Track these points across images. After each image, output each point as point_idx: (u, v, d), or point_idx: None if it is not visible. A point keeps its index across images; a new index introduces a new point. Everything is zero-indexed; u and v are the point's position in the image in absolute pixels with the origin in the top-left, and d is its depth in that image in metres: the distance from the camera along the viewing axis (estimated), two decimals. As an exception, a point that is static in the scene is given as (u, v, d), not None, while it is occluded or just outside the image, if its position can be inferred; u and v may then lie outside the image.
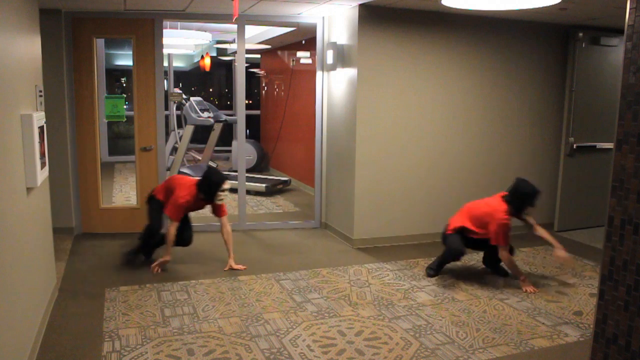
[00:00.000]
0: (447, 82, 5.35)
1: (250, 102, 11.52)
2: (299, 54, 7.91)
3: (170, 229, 4.37)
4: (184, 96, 8.35)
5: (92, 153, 5.43)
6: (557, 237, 5.71)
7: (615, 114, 2.25)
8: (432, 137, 5.38)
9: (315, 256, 4.97)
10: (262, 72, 10.55)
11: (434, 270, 4.47)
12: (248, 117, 6.13)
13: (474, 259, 4.96)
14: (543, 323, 3.59)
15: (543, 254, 5.17)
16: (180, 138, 8.40)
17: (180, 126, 8.80)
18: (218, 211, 4.58)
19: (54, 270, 4.03)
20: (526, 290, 4.15)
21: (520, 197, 4.16)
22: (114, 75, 11.67)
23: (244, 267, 4.56)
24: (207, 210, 6.74)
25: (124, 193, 7.42)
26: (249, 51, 7.56)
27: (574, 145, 5.85)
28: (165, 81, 5.95)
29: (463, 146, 5.52)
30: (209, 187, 4.42)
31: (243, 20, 5.52)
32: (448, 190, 5.53)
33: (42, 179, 3.33)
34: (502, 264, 4.47)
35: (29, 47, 3.35)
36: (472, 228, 4.28)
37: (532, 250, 5.29)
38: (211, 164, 8.87)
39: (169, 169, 7.76)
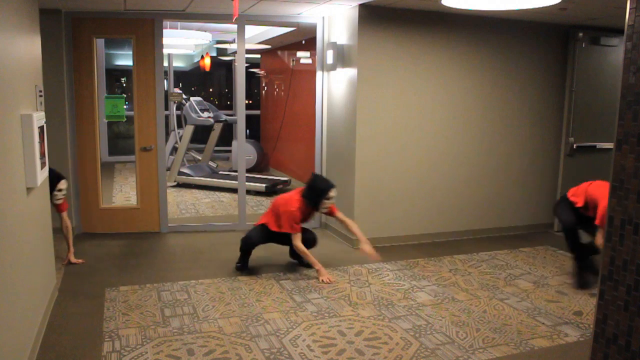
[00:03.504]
0: (447, 82, 5.35)
1: (250, 102, 11.52)
2: (299, 54, 7.91)
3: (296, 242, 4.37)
4: (184, 96, 8.36)
5: (92, 153, 5.44)
6: (557, 238, 5.73)
7: (615, 114, 2.25)
8: (432, 137, 5.39)
9: (315, 256, 4.96)
10: (262, 72, 10.55)
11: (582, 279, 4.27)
12: (248, 117, 6.13)
13: (473, 259, 4.97)
14: (543, 323, 3.59)
15: (543, 253, 5.17)
16: (180, 138, 8.41)
17: (180, 126, 8.81)
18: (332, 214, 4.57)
19: (54, 270, 4.03)
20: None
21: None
22: (114, 75, 11.67)
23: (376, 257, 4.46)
24: (207, 210, 6.74)
25: (124, 193, 7.42)
26: (249, 51, 7.56)
27: (574, 145, 5.85)
28: (165, 81, 5.95)
29: (463, 146, 5.53)
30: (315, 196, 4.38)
31: (243, 20, 5.52)
32: (448, 190, 5.53)
33: (42, 179, 3.33)
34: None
35: (29, 47, 3.35)
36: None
37: (532, 250, 5.29)
38: (211, 164, 8.87)
39: (169, 169, 7.77)
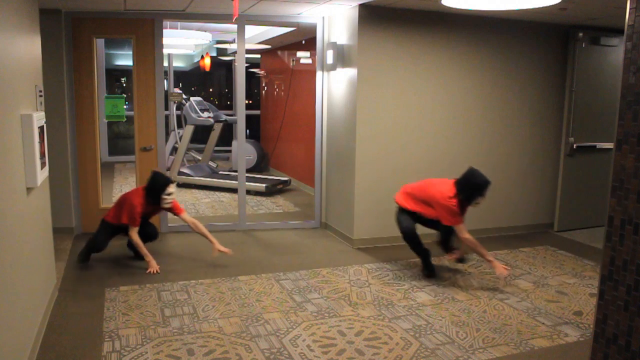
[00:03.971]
0: (447, 82, 5.35)
1: (250, 102, 11.52)
2: (299, 54, 7.91)
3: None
4: (184, 96, 8.35)
5: (92, 153, 5.43)
6: (557, 238, 5.73)
7: (615, 114, 2.25)
8: (432, 137, 5.39)
9: (315, 256, 4.97)
10: (262, 72, 10.55)
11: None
12: (248, 117, 6.13)
13: (473, 258, 4.97)
14: (543, 323, 3.59)
15: (543, 253, 5.17)
16: (180, 138, 8.40)
17: (180, 126, 8.80)
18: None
19: (54, 270, 4.03)
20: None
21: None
22: (114, 75, 11.67)
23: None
24: (207, 210, 6.75)
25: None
26: (249, 51, 7.56)
27: (574, 145, 5.86)
28: (165, 81, 5.95)
29: (463, 146, 5.52)
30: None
31: (243, 20, 5.52)
32: (448, 190, 5.52)
33: (42, 179, 3.33)
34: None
35: (29, 47, 3.35)
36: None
37: (532, 250, 5.29)
38: (211, 164, 8.88)
39: (169, 169, 7.76)
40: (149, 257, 4.51)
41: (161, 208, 4.64)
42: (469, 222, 5.68)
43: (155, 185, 4.52)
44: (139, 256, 4.66)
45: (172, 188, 4.53)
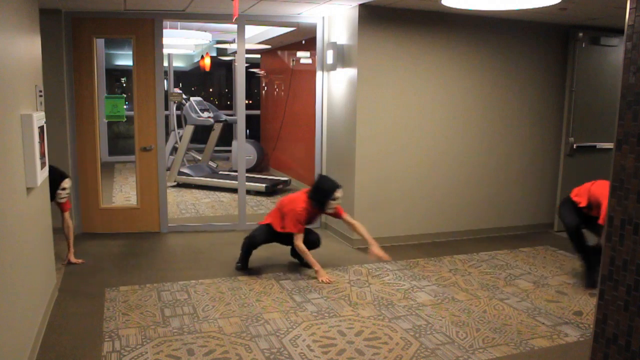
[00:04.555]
0: (447, 82, 5.35)
1: (250, 102, 11.52)
2: (299, 54, 7.91)
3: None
4: (184, 96, 8.35)
5: (92, 153, 5.43)
6: (557, 238, 5.73)
7: (615, 114, 2.25)
8: (432, 137, 5.39)
9: (315, 256, 4.96)
10: (262, 72, 10.55)
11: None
12: (248, 117, 6.13)
13: (473, 259, 4.97)
14: (543, 323, 3.59)
15: (543, 253, 5.17)
16: (180, 138, 8.41)
17: (180, 126, 8.81)
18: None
19: (54, 270, 4.03)
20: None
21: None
22: (114, 75, 11.67)
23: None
24: (207, 210, 6.75)
25: (124, 193, 7.42)
26: (249, 51, 7.56)
27: (574, 145, 5.86)
28: (165, 81, 5.95)
29: (463, 146, 5.53)
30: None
31: (243, 20, 5.52)
32: (448, 191, 5.53)
33: (42, 179, 3.33)
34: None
35: (29, 47, 3.35)
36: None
37: (532, 250, 5.29)
38: (211, 164, 8.87)
39: (169, 169, 7.77)
40: (317, 266, 4.35)
41: (325, 213, 4.49)
42: (470, 222, 5.70)
43: (323, 190, 4.35)
44: (303, 264, 4.60)
45: (339, 193, 4.37)
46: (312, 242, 4.55)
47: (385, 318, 3.62)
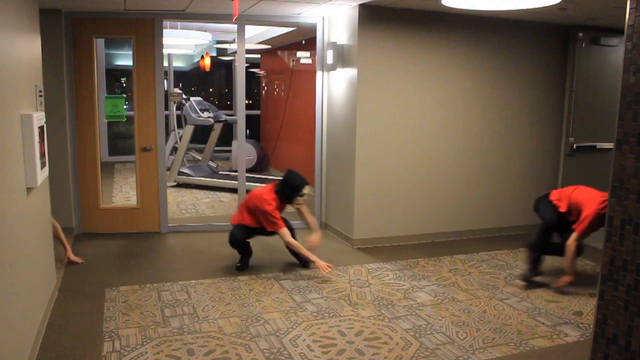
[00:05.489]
0: (447, 82, 5.35)
1: (250, 102, 11.52)
2: (299, 54, 7.91)
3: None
4: (184, 96, 8.35)
5: (92, 153, 5.43)
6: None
7: (615, 114, 2.25)
8: (432, 137, 5.39)
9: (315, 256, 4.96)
10: (262, 72, 10.55)
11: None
12: (248, 117, 6.13)
13: (473, 259, 4.97)
14: (543, 323, 3.59)
15: (543, 254, 5.17)
16: (180, 138, 8.41)
17: (180, 126, 8.80)
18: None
19: (54, 270, 4.03)
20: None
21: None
22: (114, 75, 11.67)
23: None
24: (207, 210, 6.75)
25: (124, 193, 7.42)
26: (249, 51, 7.56)
27: (574, 145, 5.85)
28: (165, 81, 5.95)
29: (463, 146, 5.53)
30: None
31: (243, 20, 5.52)
32: (448, 190, 5.53)
33: (42, 179, 3.33)
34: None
35: (29, 47, 3.35)
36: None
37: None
38: (211, 164, 8.87)
39: (169, 169, 7.77)
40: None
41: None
42: (470, 222, 5.70)
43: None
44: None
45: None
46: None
47: (385, 318, 3.62)
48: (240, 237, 4.50)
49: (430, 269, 4.66)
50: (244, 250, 4.58)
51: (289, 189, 4.42)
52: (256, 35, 7.99)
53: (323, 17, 5.63)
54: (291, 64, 8.68)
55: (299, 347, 3.18)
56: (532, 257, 4.29)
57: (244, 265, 4.54)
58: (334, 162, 5.66)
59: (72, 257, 4.60)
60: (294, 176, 4.49)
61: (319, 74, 5.76)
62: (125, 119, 5.97)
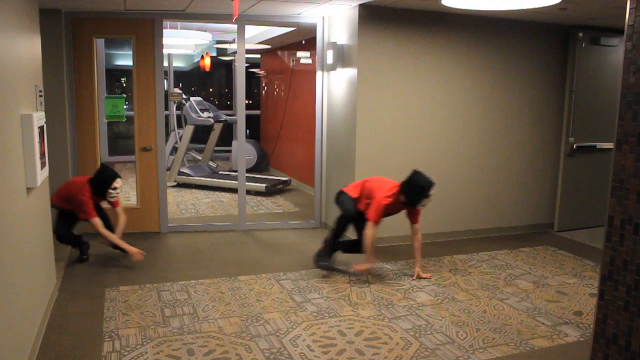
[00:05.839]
0: (447, 82, 5.35)
1: (250, 102, 11.52)
2: (299, 54, 7.91)
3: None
4: (184, 96, 8.35)
5: (92, 153, 5.43)
6: (557, 237, 5.73)
7: (615, 114, 2.25)
8: (432, 137, 5.39)
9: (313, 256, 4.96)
10: (262, 72, 10.55)
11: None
12: (248, 117, 6.13)
13: (474, 259, 4.97)
14: (543, 323, 3.59)
15: (543, 253, 5.17)
16: (180, 138, 8.41)
17: (180, 126, 8.80)
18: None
19: (54, 270, 4.03)
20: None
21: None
22: (114, 75, 11.67)
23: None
24: (207, 210, 6.74)
25: (124, 193, 7.42)
26: (249, 51, 7.56)
27: (574, 145, 5.85)
28: (165, 81, 5.95)
29: (463, 146, 5.53)
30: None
31: (243, 20, 5.52)
32: (448, 190, 5.53)
33: (42, 179, 3.33)
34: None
35: (29, 47, 3.35)
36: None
37: (532, 250, 5.29)
38: (211, 164, 8.87)
39: (169, 169, 7.77)
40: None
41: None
42: (470, 222, 5.70)
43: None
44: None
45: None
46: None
47: (385, 318, 3.62)
48: (353, 215, 4.40)
49: (430, 269, 4.66)
50: (342, 233, 4.51)
51: (416, 191, 4.11)
52: (256, 35, 8.00)
53: (323, 17, 5.63)
54: (291, 64, 8.68)
55: (299, 347, 3.18)
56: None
57: (328, 262, 4.49)
58: (334, 162, 5.66)
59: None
60: (420, 176, 4.16)
61: (319, 74, 5.76)
62: (125, 119, 5.97)
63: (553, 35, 5.71)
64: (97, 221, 4.45)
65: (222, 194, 7.66)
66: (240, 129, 5.74)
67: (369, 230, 4.18)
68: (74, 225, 4.74)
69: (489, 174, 5.71)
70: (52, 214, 4.18)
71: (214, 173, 8.41)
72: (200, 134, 9.42)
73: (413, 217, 4.36)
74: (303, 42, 8.04)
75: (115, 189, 4.50)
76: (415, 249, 4.41)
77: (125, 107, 5.81)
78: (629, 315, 2.20)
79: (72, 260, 4.68)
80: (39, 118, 3.22)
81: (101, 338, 3.26)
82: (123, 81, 11.82)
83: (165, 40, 5.49)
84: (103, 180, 4.48)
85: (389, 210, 4.28)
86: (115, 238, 4.52)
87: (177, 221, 6.06)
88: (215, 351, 3.12)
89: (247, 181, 6.15)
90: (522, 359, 3.11)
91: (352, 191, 4.44)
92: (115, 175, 4.51)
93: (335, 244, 4.51)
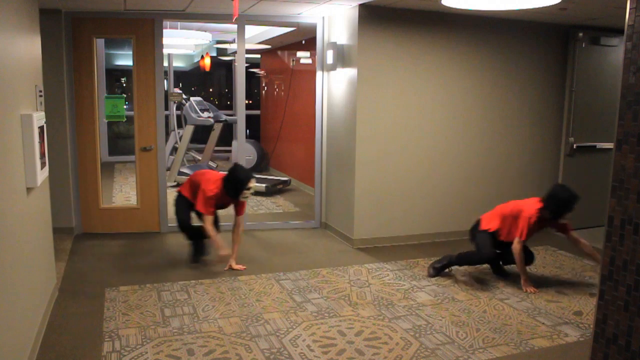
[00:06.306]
0: (447, 82, 5.35)
1: (250, 102, 11.52)
2: (299, 54, 7.91)
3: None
4: (184, 96, 8.35)
5: (92, 153, 5.43)
6: (557, 237, 5.71)
7: (615, 114, 2.25)
8: (432, 137, 5.39)
9: (315, 256, 4.97)
10: (262, 72, 10.55)
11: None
12: (248, 117, 6.13)
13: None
14: (543, 323, 3.59)
15: (543, 253, 5.17)
16: (180, 138, 8.40)
17: (180, 126, 8.80)
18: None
19: (54, 270, 4.03)
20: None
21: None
22: (114, 75, 11.67)
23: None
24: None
25: (124, 193, 7.42)
26: (249, 51, 7.56)
27: (574, 145, 5.85)
28: (165, 81, 5.94)
29: (463, 146, 5.53)
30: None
31: (243, 20, 5.52)
32: (448, 190, 5.53)
33: (42, 179, 3.32)
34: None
35: (29, 47, 3.35)
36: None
37: (532, 250, 5.27)
38: (211, 164, 8.87)
39: (169, 169, 7.76)
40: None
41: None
42: (470, 222, 5.68)
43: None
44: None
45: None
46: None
47: (385, 318, 3.62)
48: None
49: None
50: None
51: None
52: (256, 35, 7.99)
53: (323, 17, 5.63)
54: (291, 64, 8.68)
55: (299, 347, 3.18)
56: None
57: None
58: (334, 162, 5.66)
59: (235, 265, 4.56)
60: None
61: (318, 74, 5.76)
62: (125, 119, 5.97)
63: (553, 35, 5.71)
64: (210, 218, 4.45)
65: (222, 194, 7.65)
66: (240, 129, 5.74)
67: (517, 245, 4.15)
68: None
69: (489, 174, 5.71)
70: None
71: (214, 173, 8.39)
72: (200, 134, 9.42)
73: (564, 230, 4.29)
74: (303, 42, 8.04)
75: (249, 189, 4.38)
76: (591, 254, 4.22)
77: (125, 107, 5.81)
78: (629, 315, 2.20)
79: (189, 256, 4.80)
80: (39, 118, 3.22)
81: (101, 338, 3.26)
82: (123, 81, 11.82)
83: (165, 40, 5.49)
84: (240, 179, 4.34)
85: (538, 227, 4.25)
86: (215, 236, 4.43)
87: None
88: (215, 351, 3.12)
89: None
90: (522, 359, 3.11)
91: (489, 222, 4.33)
92: (251, 175, 4.41)
93: (454, 264, 4.45)
